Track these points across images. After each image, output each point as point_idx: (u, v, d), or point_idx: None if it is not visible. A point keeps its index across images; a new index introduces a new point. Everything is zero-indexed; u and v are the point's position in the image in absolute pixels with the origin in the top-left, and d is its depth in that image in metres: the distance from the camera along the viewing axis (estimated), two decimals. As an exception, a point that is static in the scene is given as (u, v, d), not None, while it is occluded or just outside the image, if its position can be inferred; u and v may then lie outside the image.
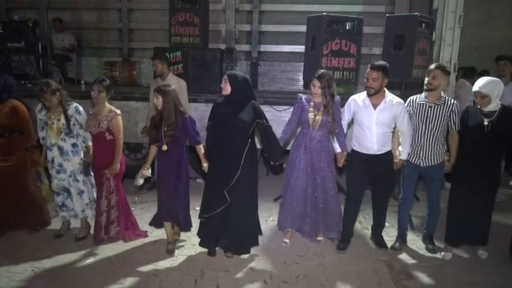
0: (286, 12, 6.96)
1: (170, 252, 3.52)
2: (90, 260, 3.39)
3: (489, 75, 5.43)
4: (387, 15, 4.91)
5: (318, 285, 3.11)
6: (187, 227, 3.66)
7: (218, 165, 3.36)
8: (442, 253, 3.55)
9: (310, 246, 3.68)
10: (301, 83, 6.63)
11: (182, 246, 3.66)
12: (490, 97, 3.18)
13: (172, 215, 3.50)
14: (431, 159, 3.43)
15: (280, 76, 6.94)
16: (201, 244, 3.55)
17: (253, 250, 3.59)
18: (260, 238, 3.75)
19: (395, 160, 3.52)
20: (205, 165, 3.47)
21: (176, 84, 4.60)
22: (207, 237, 3.50)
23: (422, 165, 3.45)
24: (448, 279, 3.24)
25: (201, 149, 3.50)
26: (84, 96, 5.14)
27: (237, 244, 3.47)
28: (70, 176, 3.69)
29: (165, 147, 3.37)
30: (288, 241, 3.70)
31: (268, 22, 7.03)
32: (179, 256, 3.48)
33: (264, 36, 7.07)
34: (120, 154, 3.58)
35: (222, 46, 6.56)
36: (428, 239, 3.69)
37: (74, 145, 3.66)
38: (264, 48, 7.05)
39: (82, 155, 3.70)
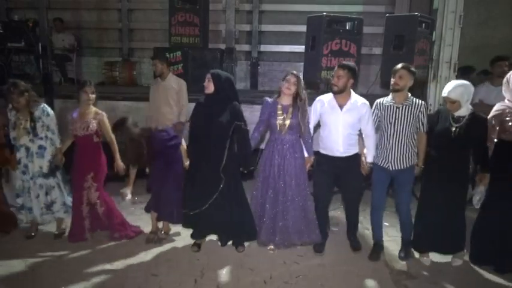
0: (286, 12, 6.97)
1: (148, 242, 3.65)
2: (90, 260, 3.38)
3: (489, 75, 5.45)
4: (387, 15, 4.91)
5: (318, 285, 3.11)
6: (177, 220, 3.70)
7: (201, 164, 3.40)
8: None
9: (310, 246, 3.67)
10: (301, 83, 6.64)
11: (174, 242, 3.67)
12: (459, 102, 3.09)
13: (158, 208, 3.64)
14: (400, 162, 3.31)
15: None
16: (192, 236, 3.62)
17: (253, 249, 3.60)
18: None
19: (362, 165, 3.46)
20: (186, 163, 3.55)
21: (176, 84, 4.63)
22: (195, 229, 3.58)
23: (391, 168, 3.34)
24: (448, 279, 3.24)
25: (183, 146, 3.59)
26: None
27: (233, 237, 3.57)
28: (32, 178, 3.66)
29: (147, 170, 3.62)
30: (273, 247, 3.59)
31: (268, 22, 7.04)
32: (178, 256, 3.48)
33: (264, 36, 7.08)
34: (117, 151, 3.64)
35: (222, 46, 6.56)
36: (403, 246, 3.53)
37: (40, 147, 3.63)
38: (264, 48, 7.07)
39: (49, 157, 3.66)
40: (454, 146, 3.17)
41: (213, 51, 5.58)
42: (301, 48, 5.46)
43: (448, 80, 4.72)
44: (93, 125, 3.54)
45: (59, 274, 3.15)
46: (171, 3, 5.56)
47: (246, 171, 3.54)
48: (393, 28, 4.68)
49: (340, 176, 3.51)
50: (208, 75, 3.31)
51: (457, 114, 3.16)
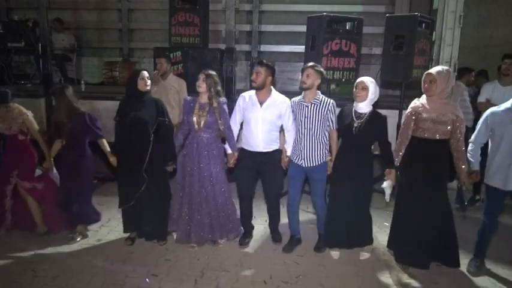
0: (286, 12, 6.97)
1: (71, 240, 3.69)
2: (90, 260, 3.39)
3: (488, 75, 5.45)
4: (387, 15, 4.91)
5: (318, 285, 3.11)
6: (89, 220, 3.80)
7: (126, 160, 3.48)
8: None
9: (310, 246, 3.67)
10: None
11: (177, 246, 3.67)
12: (367, 91, 3.23)
13: (65, 207, 3.66)
14: (312, 159, 3.43)
15: (280, 76, 6.94)
16: (125, 230, 3.69)
17: (253, 249, 3.60)
18: (260, 238, 3.79)
19: (282, 159, 3.60)
20: (111, 159, 3.58)
21: (176, 84, 4.64)
22: (129, 225, 3.65)
23: (304, 165, 3.46)
24: (449, 279, 3.24)
25: (103, 143, 3.61)
26: (84, 96, 5.15)
27: (154, 232, 3.63)
28: None
29: (63, 142, 3.59)
30: (195, 245, 3.61)
31: (268, 22, 7.04)
32: (178, 256, 3.48)
33: (264, 36, 7.08)
34: (46, 149, 3.72)
35: (222, 46, 6.55)
36: (319, 239, 3.67)
37: None
38: (264, 48, 7.06)
39: None
40: (356, 141, 3.30)
41: (213, 51, 5.57)
42: (301, 48, 5.45)
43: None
44: (16, 125, 3.61)
45: (58, 275, 3.16)
46: (171, 3, 5.55)
47: (167, 167, 3.60)
48: (393, 28, 4.68)
49: (260, 171, 3.61)
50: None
51: (359, 110, 3.30)
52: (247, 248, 3.65)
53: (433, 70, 3.16)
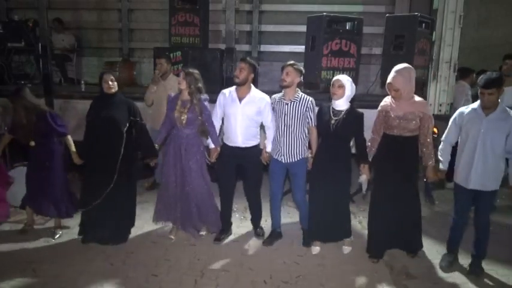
0: (286, 12, 6.97)
1: (22, 233, 3.77)
2: (90, 260, 3.39)
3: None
4: (387, 15, 4.91)
5: (318, 285, 3.11)
6: (67, 214, 3.81)
7: (96, 161, 3.52)
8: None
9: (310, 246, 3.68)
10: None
11: (176, 247, 3.67)
12: (344, 89, 3.29)
13: (34, 205, 3.72)
14: (291, 155, 3.50)
15: (280, 76, 6.93)
16: (80, 233, 3.68)
17: (253, 249, 3.60)
18: (261, 238, 3.79)
19: (263, 155, 3.68)
20: (75, 159, 3.65)
21: (177, 84, 4.63)
22: (88, 228, 3.64)
23: (284, 161, 3.53)
24: (449, 279, 3.25)
25: (68, 141, 3.67)
26: (84, 96, 5.15)
27: (115, 234, 3.64)
28: None
29: (32, 143, 3.59)
30: (173, 237, 3.75)
31: (268, 22, 7.04)
32: (178, 256, 3.48)
33: (264, 36, 7.08)
34: None
35: (222, 46, 6.55)
36: (304, 235, 3.74)
37: None
38: (264, 48, 7.06)
39: None
40: (333, 138, 3.38)
41: (213, 51, 5.58)
42: (301, 48, 5.45)
43: (448, 80, 4.72)
44: None
45: (58, 275, 3.16)
46: (171, 3, 5.55)
47: (148, 162, 3.72)
48: (393, 28, 4.68)
49: (240, 166, 3.68)
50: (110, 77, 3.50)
51: (336, 108, 3.37)
52: (248, 248, 3.65)
53: (392, 79, 3.22)
